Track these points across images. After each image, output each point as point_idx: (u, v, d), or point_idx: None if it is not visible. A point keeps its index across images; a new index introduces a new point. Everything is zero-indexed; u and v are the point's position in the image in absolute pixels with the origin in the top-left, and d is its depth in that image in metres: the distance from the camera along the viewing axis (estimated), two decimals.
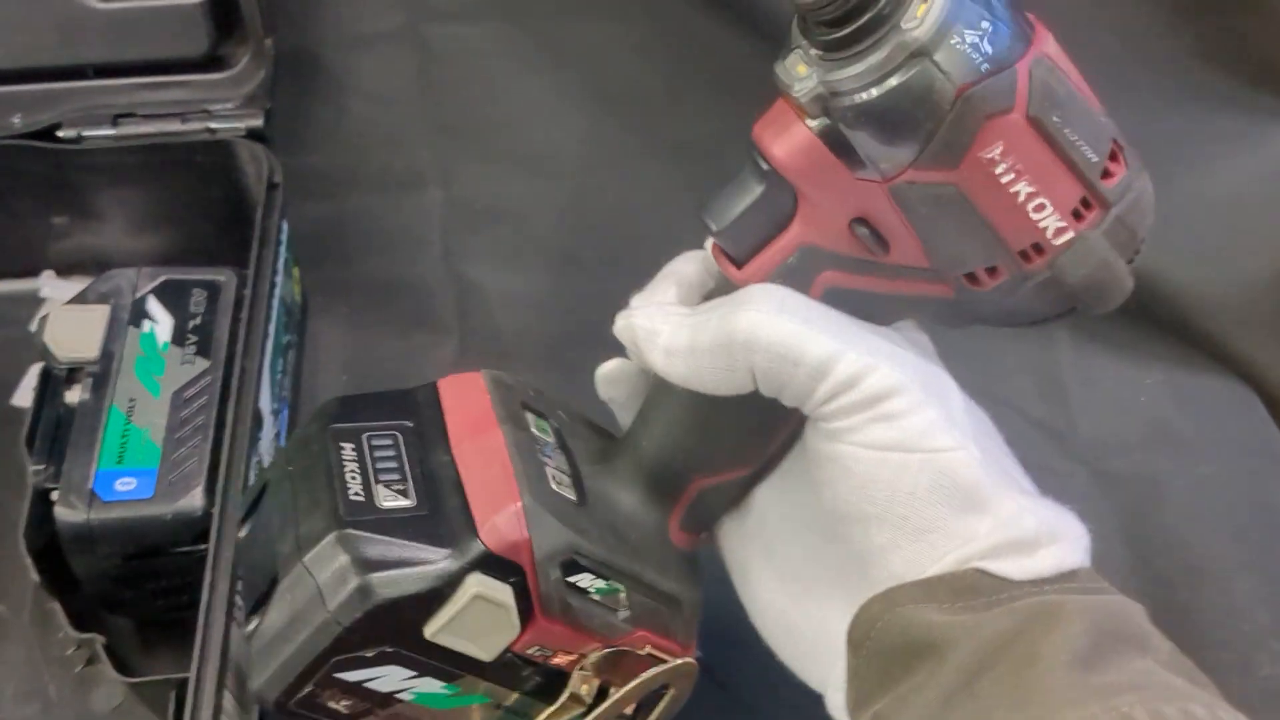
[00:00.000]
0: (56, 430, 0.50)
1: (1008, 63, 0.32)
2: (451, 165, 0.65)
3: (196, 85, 0.58)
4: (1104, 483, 0.60)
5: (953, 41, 0.31)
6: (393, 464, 0.37)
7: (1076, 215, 0.34)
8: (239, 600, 0.47)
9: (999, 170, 0.33)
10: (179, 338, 0.52)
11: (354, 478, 0.36)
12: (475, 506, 0.36)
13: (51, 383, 0.51)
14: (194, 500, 0.47)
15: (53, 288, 0.64)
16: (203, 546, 0.47)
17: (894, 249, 0.35)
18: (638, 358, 0.38)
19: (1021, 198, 0.33)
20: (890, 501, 0.34)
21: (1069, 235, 0.34)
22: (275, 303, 0.55)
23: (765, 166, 0.35)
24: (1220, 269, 0.63)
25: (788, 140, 0.34)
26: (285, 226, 0.58)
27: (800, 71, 0.33)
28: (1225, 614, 0.52)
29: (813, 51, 0.33)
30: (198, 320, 0.53)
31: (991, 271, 0.35)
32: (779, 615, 0.40)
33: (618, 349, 0.39)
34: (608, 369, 0.41)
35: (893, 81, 0.31)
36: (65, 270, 0.64)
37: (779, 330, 0.34)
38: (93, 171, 0.59)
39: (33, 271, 0.64)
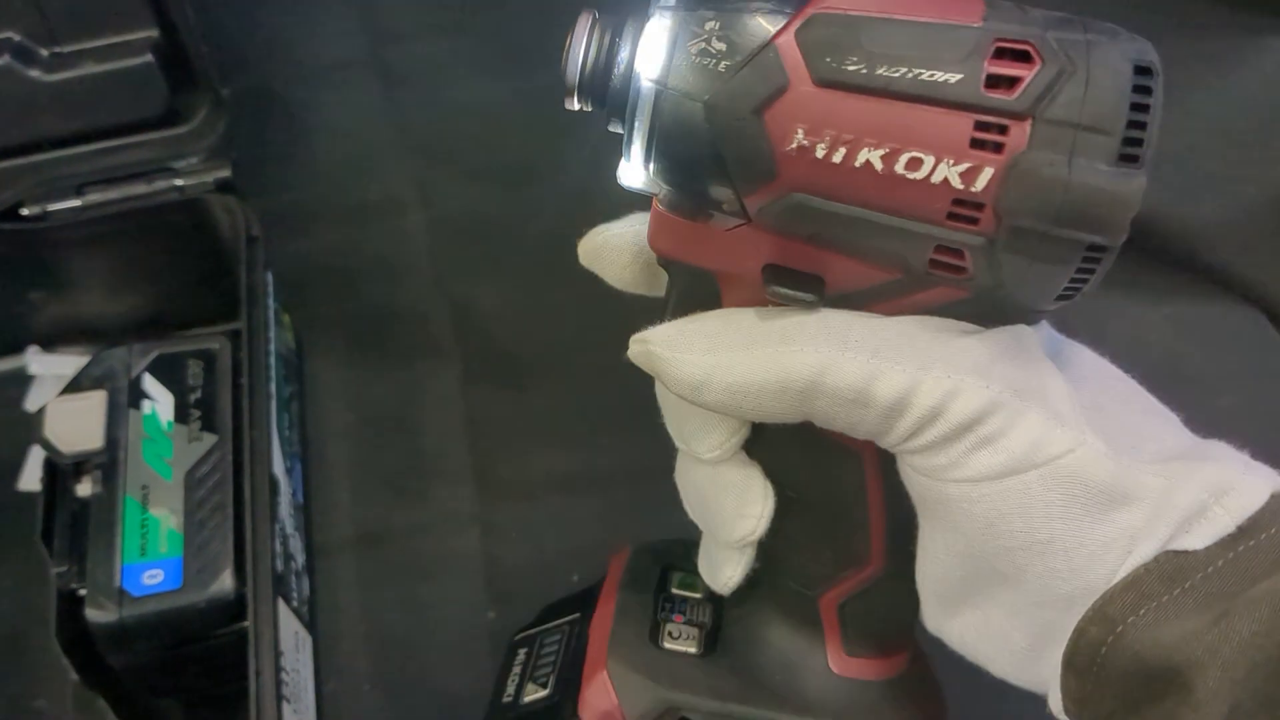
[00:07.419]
0: (73, 525, 0.49)
1: (757, 46, 0.29)
2: (429, 185, 0.63)
3: (157, 144, 0.56)
4: None
5: (677, 61, 0.29)
6: (549, 658, 0.41)
7: (984, 145, 0.28)
8: (284, 677, 0.47)
9: (821, 153, 0.29)
10: (182, 415, 0.51)
11: (513, 681, 0.42)
12: (584, 682, 0.38)
13: (59, 476, 0.50)
14: (225, 584, 0.46)
15: (40, 363, 0.62)
16: (242, 624, 0.46)
17: (830, 277, 0.32)
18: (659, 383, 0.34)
19: (880, 165, 0.29)
20: (1029, 531, 0.30)
21: (990, 171, 0.28)
22: (272, 360, 0.54)
23: (665, 263, 0.35)
24: (1220, 195, 0.62)
25: (659, 228, 0.33)
26: (270, 278, 0.56)
27: (627, 165, 0.32)
28: None
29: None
30: (198, 394, 0.51)
31: (954, 252, 0.30)
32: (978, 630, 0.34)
33: (621, 349, 0.36)
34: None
35: (651, 125, 0.30)
36: (49, 343, 0.62)
37: (845, 375, 0.30)
38: (63, 245, 0.57)
39: (16, 348, 0.62)
